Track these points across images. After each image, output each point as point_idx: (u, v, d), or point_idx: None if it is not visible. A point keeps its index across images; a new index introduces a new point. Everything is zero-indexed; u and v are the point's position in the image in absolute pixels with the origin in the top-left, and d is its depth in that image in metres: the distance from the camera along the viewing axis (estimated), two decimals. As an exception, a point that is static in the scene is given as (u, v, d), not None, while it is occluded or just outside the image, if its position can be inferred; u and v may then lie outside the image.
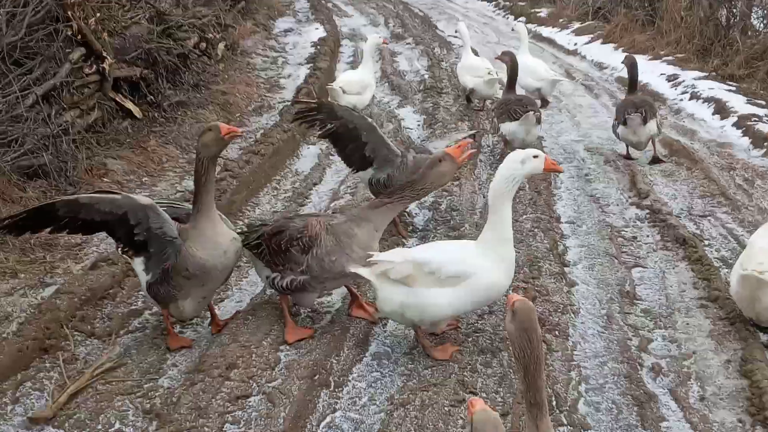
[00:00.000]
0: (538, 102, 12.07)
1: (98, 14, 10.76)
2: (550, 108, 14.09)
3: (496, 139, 11.76)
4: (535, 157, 5.63)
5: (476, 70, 13.29)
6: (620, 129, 10.62)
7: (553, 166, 5.76)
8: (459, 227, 8.47)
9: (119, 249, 6.08)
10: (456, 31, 15.38)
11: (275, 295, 6.60)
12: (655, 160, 10.74)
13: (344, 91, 12.18)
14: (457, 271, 5.54)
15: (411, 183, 6.05)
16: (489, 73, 13.10)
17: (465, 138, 8.94)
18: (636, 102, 10.58)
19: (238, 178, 9.37)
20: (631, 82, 11.10)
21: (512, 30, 17.72)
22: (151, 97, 11.55)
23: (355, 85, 12.26)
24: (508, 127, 10.31)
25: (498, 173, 5.64)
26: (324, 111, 7.75)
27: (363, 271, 5.69)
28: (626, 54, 12.64)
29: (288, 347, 5.92)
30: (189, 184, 9.31)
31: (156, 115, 11.35)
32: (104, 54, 10.23)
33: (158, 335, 6.08)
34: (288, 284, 6.00)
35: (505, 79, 11.29)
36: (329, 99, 11.72)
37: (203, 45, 14.63)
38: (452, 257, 5.61)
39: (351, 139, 7.92)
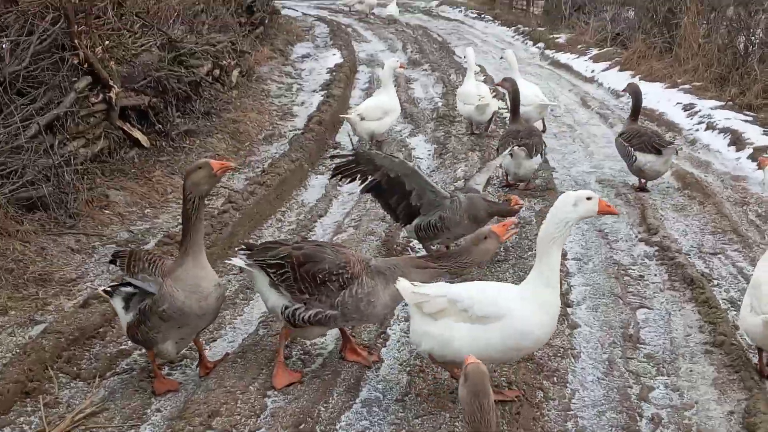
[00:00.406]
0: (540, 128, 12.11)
1: (107, 42, 10.76)
2: (563, 137, 13.96)
3: (504, 171, 11.61)
4: (588, 198, 5.30)
5: (468, 97, 13.36)
6: (644, 157, 10.46)
7: (608, 208, 5.44)
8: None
9: (101, 289, 5.98)
10: (463, 56, 15.38)
11: (267, 337, 6.47)
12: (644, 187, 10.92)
13: (362, 118, 12.30)
14: (490, 311, 5.29)
15: (457, 254, 6.00)
16: (479, 100, 13.11)
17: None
18: (656, 132, 10.83)
19: (242, 210, 9.27)
20: (634, 111, 11.04)
21: (500, 58, 17.75)
22: (160, 125, 11.51)
23: (376, 110, 12.33)
24: (504, 161, 10.31)
25: (549, 216, 5.34)
26: (362, 162, 7.57)
27: (405, 292, 5.54)
28: (629, 82, 12.56)
29: (276, 393, 5.77)
30: (192, 216, 9.22)
31: (164, 144, 11.31)
32: (111, 83, 10.20)
33: (145, 378, 5.95)
34: (311, 317, 5.81)
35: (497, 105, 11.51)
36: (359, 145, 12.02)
37: (217, 72, 14.63)
38: (487, 297, 5.38)
39: (394, 189, 7.77)
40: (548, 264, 5.29)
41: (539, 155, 10.43)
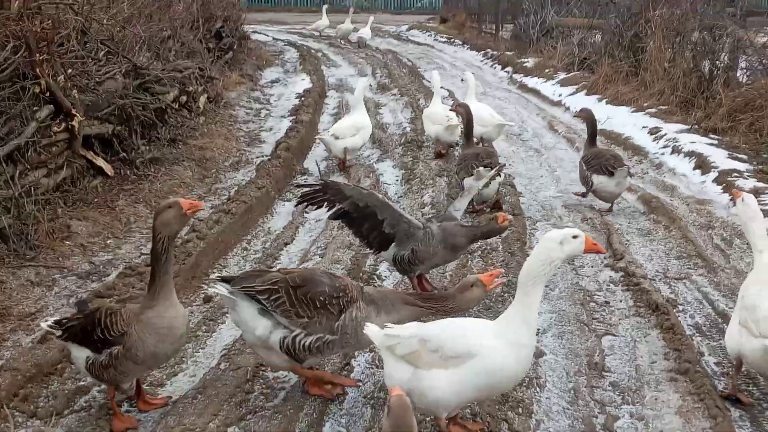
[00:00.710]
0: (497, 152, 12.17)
1: (70, 70, 10.64)
2: (530, 162, 14.00)
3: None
4: (574, 237, 5.18)
5: (437, 118, 13.63)
6: (599, 179, 10.79)
7: (595, 247, 5.32)
8: (432, 290, 8.27)
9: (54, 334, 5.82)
10: (462, 80, 15.52)
11: (228, 371, 6.39)
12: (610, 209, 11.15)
13: (336, 137, 12.82)
14: (461, 351, 5.09)
15: (444, 298, 5.99)
16: (449, 120, 13.32)
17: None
18: (612, 154, 11.06)
19: (206, 239, 9.18)
20: (591, 135, 11.35)
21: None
22: (124, 153, 11.39)
23: (348, 129, 12.86)
24: (466, 183, 10.26)
25: (534, 254, 5.21)
26: (330, 191, 7.38)
27: (374, 336, 5.40)
28: (582, 107, 12.82)
29: (237, 429, 5.68)
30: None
31: (128, 172, 11.19)
32: (74, 111, 10.07)
33: (103, 415, 5.82)
34: (312, 344, 5.75)
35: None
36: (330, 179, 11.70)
37: (183, 98, 14.54)
38: (459, 335, 5.18)
39: (365, 218, 7.56)
40: (527, 303, 5.13)
41: (500, 176, 10.58)
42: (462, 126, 11.58)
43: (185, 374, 6.56)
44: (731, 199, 11.25)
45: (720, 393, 6.27)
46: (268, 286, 5.78)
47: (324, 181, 7.59)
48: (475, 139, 12.23)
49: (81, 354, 5.62)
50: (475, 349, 5.09)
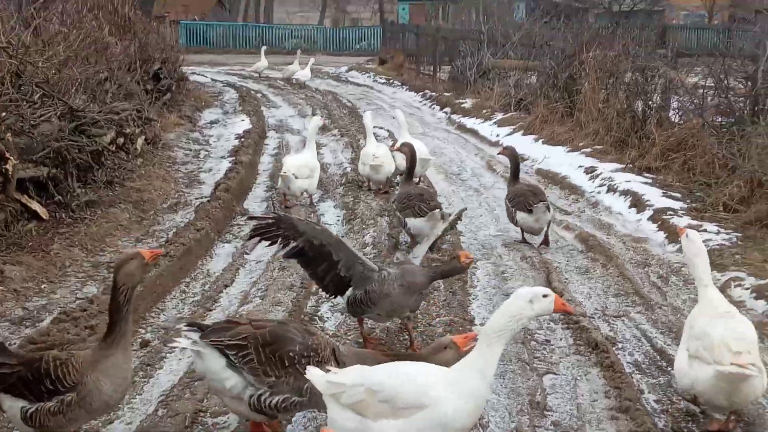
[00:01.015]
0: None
1: (3, 114, 10.48)
2: (470, 201, 14.11)
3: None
4: (545, 296, 5.08)
5: (366, 157, 13.95)
6: (521, 216, 11.16)
7: (564, 307, 5.26)
8: (370, 333, 8.24)
9: None
10: (393, 117, 15.72)
11: (166, 417, 6.26)
12: (545, 241, 11.42)
13: (296, 176, 12.78)
14: (412, 401, 4.92)
15: (418, 357, 5.84)
16: (374, 158, 13.65)
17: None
18: (531, 190, 11.41)
19: (143, 283, 9.02)
20: (514, 173, 11.73)
21: (393, 117, 18.15)
22: (60, 197, 11.21)
23: (305, 169, 12.93)
24: (413, 223, 10.47)
25: (502, 309, 5.09)
26: (283, 226, 7.10)
27: (318, 382, 5.19)
28: (506, 146, 13.48)
29: (175, 477, 5.56)
30: (92, 289, 8.97)
31: (64, 215, 11.00)
32: (8, 155, 9.90)
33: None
34: (278, 403, 5.60)
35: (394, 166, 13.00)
36: (282, 188, 12.88)
37: (121, 140, 14.40)
38: (411, 384, 5.00)
39: (321, 258, 7.27)
40: (488, 356, 5.00)
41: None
42: (397, 165, 11.71)
43: (121, 421, 6.41)
44: (666, 237, 11.48)
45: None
46: (237, 342, 5.64)
47: (277, 214, 7.37)
48: (415, 179, 12.34)
49: (16, 404, 5.44)
50: (428, 400, 4.93)
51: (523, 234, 11.48)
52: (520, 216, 11.12)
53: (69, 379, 5.34)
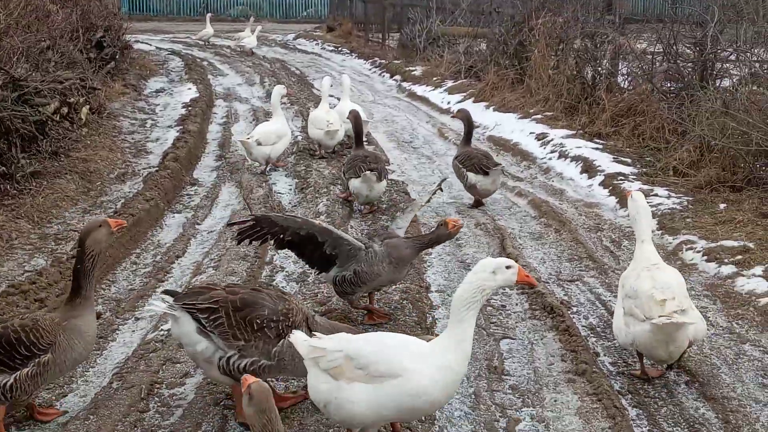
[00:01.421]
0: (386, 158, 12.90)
1: (-58, 82, 10.15)
2: (423, 169, 14.07)
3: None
4: (507, 267, 5.11)
5: (319, 122, 14.02)
6: (474, 177, 11.32)
7: (527, 278, 5.25)
8: (326, 302, 8.18)
9: None
10: (320, 87, 15.74)
11: (121, 390, 6.14)
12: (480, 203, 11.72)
13: (259, 143, 13.02)
14: (385, 370, 4.96)
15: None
16: (328, 125, 13.69)
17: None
18: (484, 153, 11.67)
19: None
20: (467, 135, 11.87)
21: (340, 84, 18.10)
22: (4, 168, 10.89)
23: (272, 135, 13.11)
24: (353, 184, 10.94)
25: (466, 281, 5.10)
26: (264, 225, 7.05)
27: (300, 345, 5.22)
28: (459, 108, 13.88)
29: (132, 450, 5.46)
30: (40, 262, 8.76)
31: (8, 187, 10.69)
32: (-52, 125, 9.61)
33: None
34: (246, 366, 5.60)
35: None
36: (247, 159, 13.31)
37: (65, 110, 14.04)
38: (387, 354, 5.03)
39: (307, 242, 7.26)
40: (462, 329, 5.01)
41: (385, 180, 11.16)
42: (353, 131, 11.74)
43: (75, 394, 6.28)
44: (618, 202, 11.56)
45: (632, 373, 6.72)
46: (209, 305, 5.67)
47: (255, 216, 7.24)
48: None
49: None
50: (401, 370, 4.95)
51: (469, 191, 11.71)
52: (476, 178, 11.28)
53: (43, 342, 5.53)
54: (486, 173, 11.19)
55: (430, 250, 9.84)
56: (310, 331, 5.63)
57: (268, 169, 13.36)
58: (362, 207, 11.34)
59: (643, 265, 6.72)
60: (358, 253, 7.34)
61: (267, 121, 14.08)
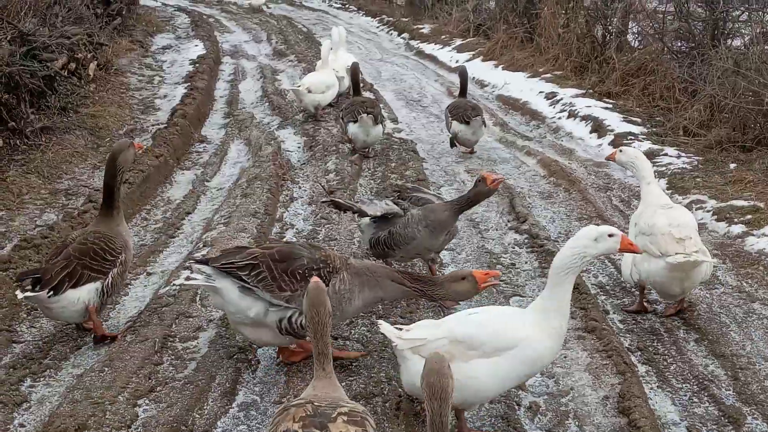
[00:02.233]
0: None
1: (-48, 36, 10.11)
2: (431, 128, 14.03)
3: (375, 162, 11.60)
4: (610, 236, 5.19)
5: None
6: (458, 126, 11.80)
7: (630, 246, 5.32)
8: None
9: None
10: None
11: (135, 343, 6.21)
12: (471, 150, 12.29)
13: (310, 91, 13.65)
14: (503, 344, 5.05)
15: (432, 282, 5.90)
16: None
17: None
18: (471, 105, 12.02)
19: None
20: (462, 89, 12.42)
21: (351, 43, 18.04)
22: (13, 123, 10.88)
23: (321, 85, 13.79)
24: (350, 128, 11.44)
25: (567, 247, 5.19)
26: (359, 212, 7.13)
27: (393, 337, 5.16)
28: (460, 65, 14.59)
29: (147, 401, 5.52)
30: (51, 217, 8.81)
31: (18, 142, 10.70)
32: (-43, 79, 9.59)
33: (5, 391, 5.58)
34: (298, 325, 5.69)
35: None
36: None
37: (73, 65, 14.00)
38: (497, 329, 5.10)
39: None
40: (560, 293, 5.14)
41: (381, 124, 11.65)
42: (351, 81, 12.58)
43: (89, 347, 6.35)
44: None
45: (624, 308, 7.17)
46: (249, 261, 5.69)
47: (359, 208, 7.10)
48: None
49: (91, 288, 6.21)
50: (517, 341, 5.06)
51: (453, 141, 12.25)
52: (459, 127, 11.75)
53: (117, 246, 6.42)
54: (467, 122, 11.60)
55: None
56: (348, 274, 5.76)
57: (319, 115, 13.88)
58: (362, 151, 11.76)
59: (656, 204, 7.00)
60: (396, 220, 7.20)
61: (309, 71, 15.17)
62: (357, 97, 11.98)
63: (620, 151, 7.50)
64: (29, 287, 5.90)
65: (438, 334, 5.13)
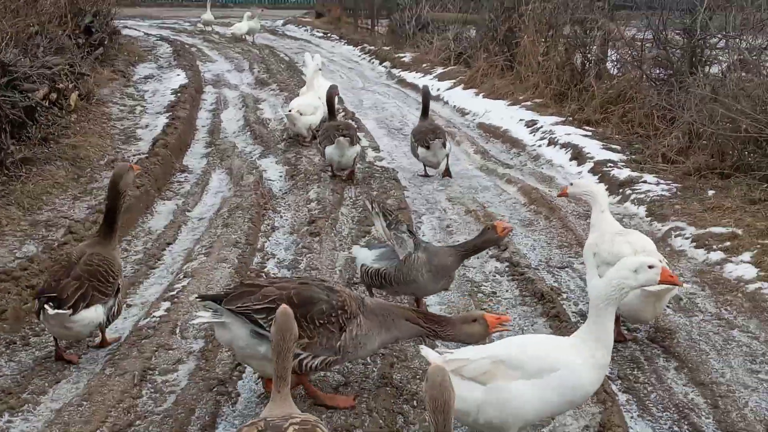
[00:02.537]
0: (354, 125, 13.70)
1: (-69, 68, 10.09)
2: (412, 156, 14.05)
3: (357, 191, 11.62)
4: (650, 267, 5.17)
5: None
6: (420, 151, 12.37)
7: (671, 279, 5.27)
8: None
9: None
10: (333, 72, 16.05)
11: (114, 376, 6.16)
12: (447, 173, 12.63)
13: (301, 113, 14.18)
14: (545, 366, 5.03)
15: (444, 323, 5.83)
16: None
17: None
18: (432, 128, 12.43)
19: (84, 240, 8.83)
20: (424, 110, 12.92)
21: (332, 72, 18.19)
22: (-7, 154, 10.87)
23: (309, 107, 14.32)
24: (327, 150, 11.90)
25: (607, 277, 5.18)
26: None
27: (436, 360, 5.08)
28: (423, 84, 15.08)
29: (126, 436, 5.49)
30: (31, 248, 8.74)
31: (-2, 173, 10.68)
32: (-63, 111, 9.57)
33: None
34: (319, 365, 5.59)
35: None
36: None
37: (54, 96, 13.99)
38: (540, 351, 5.12)
39: None
40: (601, 323, 5.10)
41: (357, 145, 12.08)
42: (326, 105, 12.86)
43: (68, 381, 6.29)
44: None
45: None
46: (266, 305, 5.49)
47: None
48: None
49: (98, 310, 6.46)
50: (560, 364, 5.03)
51: (425, 168, 12.72)
52: (420, 151, 12.32)
53: (116, 269, 6.67)
54: (427, 147, 12.10)
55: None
56: (363, 316, 5.71)
57: (309, 139, 14.27)
58: (339, 173, 12.24)
59: (610, 231, 7.06)
60: (396, 258, 7.16)
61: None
62: (332, 121, 12.39)
63: (571, 185, 7.66)
64: (50, 305, 6.17)
65: (481, 353, 5.13)
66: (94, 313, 6.41)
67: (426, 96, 13.02)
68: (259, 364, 5.75)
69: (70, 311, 6.19)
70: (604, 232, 7.06)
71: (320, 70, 15.76)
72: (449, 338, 5.88)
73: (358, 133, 12.65)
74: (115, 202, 6.77)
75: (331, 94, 12.74)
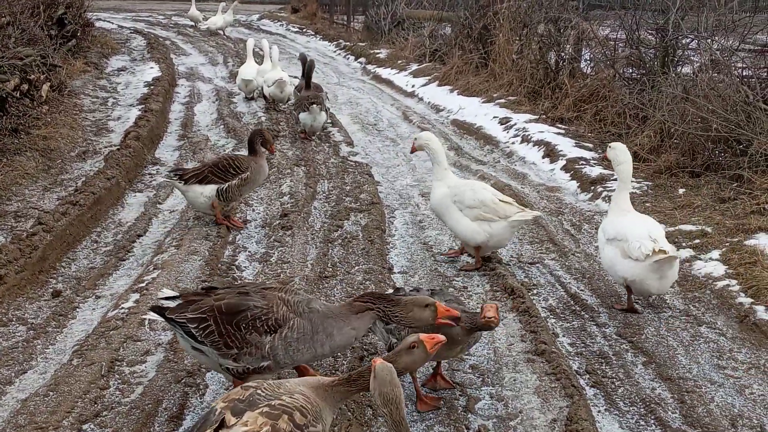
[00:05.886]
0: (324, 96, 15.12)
1: None
2: (387, 151, 14.08)
3: (330, 185, 11.60)
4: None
5: (271, 81, 16.77)
6: (302, 115, 14.06)
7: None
8: (288, 282, 8.17)
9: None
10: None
11: (81, 367, 6.12)
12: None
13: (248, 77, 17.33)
14: None
15: (394, 304, 5.55)
16: (243, 78, 17.56)
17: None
18: (313, 96, 14.00)
19: (53, 231, 8.78)
20: (307, 80, 14.51)
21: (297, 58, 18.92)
22: (-38, 144, 10.77)
23: (252, 69, 17.55)
24: (301, 116, 14.08)
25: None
26: None
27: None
28: (300, 52, 17.41)
29: (94, 428, 5.44)
30: (1, 241, 8.66)
31: (-34, 163, 10.57)
32: None
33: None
34: (244, 370, 5.43)
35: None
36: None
37: (25, 87, 13.84)
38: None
39: None
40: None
41: (326, 111, 14.15)
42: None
43: (35, 371, 6.25)
44: (579, 186, 11.68)
45: (615, 306, 7.81)
46: (197, 315, 5.42)
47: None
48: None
49: (207, 189, 9.32)
50: None
51: (305, 132, 14.33)
52: (302, 115, 14.01)
53: (244, 166, 9.32)
54: (307, 110, 13.80)
55: (394, 232, 9.91)
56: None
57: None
58: (312, 136, 14.32)
59: (624, 211, 7.76)
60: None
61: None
62: (307, 92, 14.19)
63: (416, 138, 8.87)
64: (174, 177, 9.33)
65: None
66: (207, 190, 9.35)
67: (310, 67, 14.49)
68: (213, 367, 5.72)
69: (179, 181, 9.40)
70: (617, 211, 7.78)
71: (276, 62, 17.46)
72: (397, 320, 5.59)
73: (331, 119, 14.64)
74: (252, 144, 9.80)
75: (310, 67, 14.52)
